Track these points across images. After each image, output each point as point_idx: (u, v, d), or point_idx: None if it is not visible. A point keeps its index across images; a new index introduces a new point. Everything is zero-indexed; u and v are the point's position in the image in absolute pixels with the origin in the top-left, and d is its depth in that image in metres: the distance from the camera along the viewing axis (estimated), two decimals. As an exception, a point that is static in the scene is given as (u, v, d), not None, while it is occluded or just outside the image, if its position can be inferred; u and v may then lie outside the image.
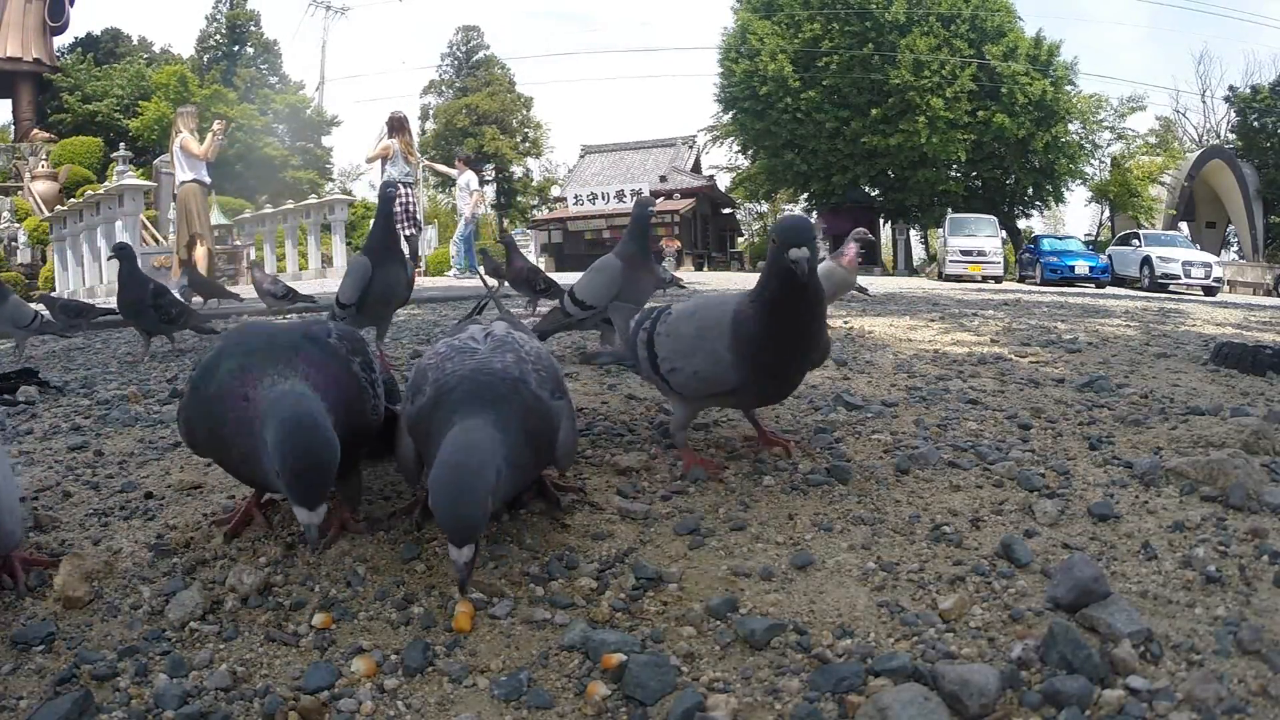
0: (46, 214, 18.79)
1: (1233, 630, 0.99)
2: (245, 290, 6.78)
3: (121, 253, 3.50)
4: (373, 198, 29.03)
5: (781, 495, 1.47)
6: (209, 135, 8.20)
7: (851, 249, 3.93)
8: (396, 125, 9.46)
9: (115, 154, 19.15)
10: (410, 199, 9.46)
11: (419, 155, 9.90)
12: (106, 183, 15.92)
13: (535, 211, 35.84)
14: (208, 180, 8.24)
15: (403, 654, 1.02)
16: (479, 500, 1.00)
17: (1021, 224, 27.89)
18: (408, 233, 9.60)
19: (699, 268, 26.07)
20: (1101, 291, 12.81)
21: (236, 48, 33.94)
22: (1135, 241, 17.58)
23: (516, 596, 1.15)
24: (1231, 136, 27.39)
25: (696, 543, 1.29)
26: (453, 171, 11.27)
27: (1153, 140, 28.18)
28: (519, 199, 37.87)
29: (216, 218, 12.40)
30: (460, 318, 1.78)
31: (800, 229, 1.35)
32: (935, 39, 23.16)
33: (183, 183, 8.24)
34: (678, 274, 5.41)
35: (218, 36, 34.55)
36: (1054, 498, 1.42)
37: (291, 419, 1.06)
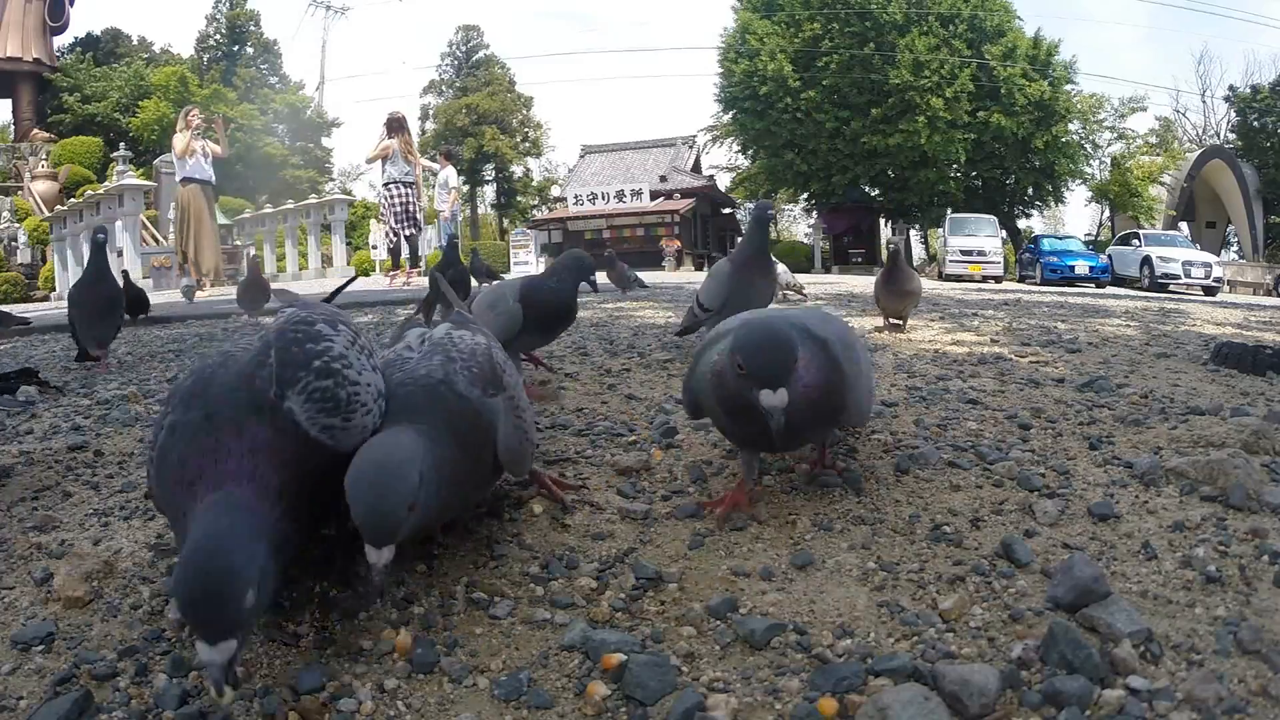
0: (46, 214, 18.80)
1: (1233, 630, 0.99)
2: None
3: None
4: (373, 198, 29.02)
5: (781, 495, 1.47)
6: (186, 132, 8.16)
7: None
8: (395, 125, 9.47)
9: (115, 154, 19.16)
10: (410, 198, 9.47)
11: (418, 155, 9.89)
12: (106, 183, 15.92)
13: (535, 211, 35.84)
14: (196, 177, 8.16)
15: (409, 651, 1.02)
16: (400, 498, 0.92)
17: (1021, 224, 27.93)
18: (407, 233, 9.62)
19: (699, 268, 26.05)
20: (1101, 291, 12.80)
21: (236, 48, 33.95)
22: (1135, 241, 17.59)
23: (516, 596, 1.15)
24: (1231, 136, 27.41)
25: (696, 543, 1.29)
26: (435, 166, 11.24)
27: (1153, 140, 28.21)
28: (519, 199, 37.88)
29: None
30: (401, 323, 1.62)
31: (774, 365, 1.10)
32: (934, 39, 23.18)
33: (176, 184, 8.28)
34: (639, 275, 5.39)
35: (218, 36, 34.57)
36: (1054, 498, 1.42)
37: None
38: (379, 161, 9.51)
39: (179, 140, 8.21)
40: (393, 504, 0.92)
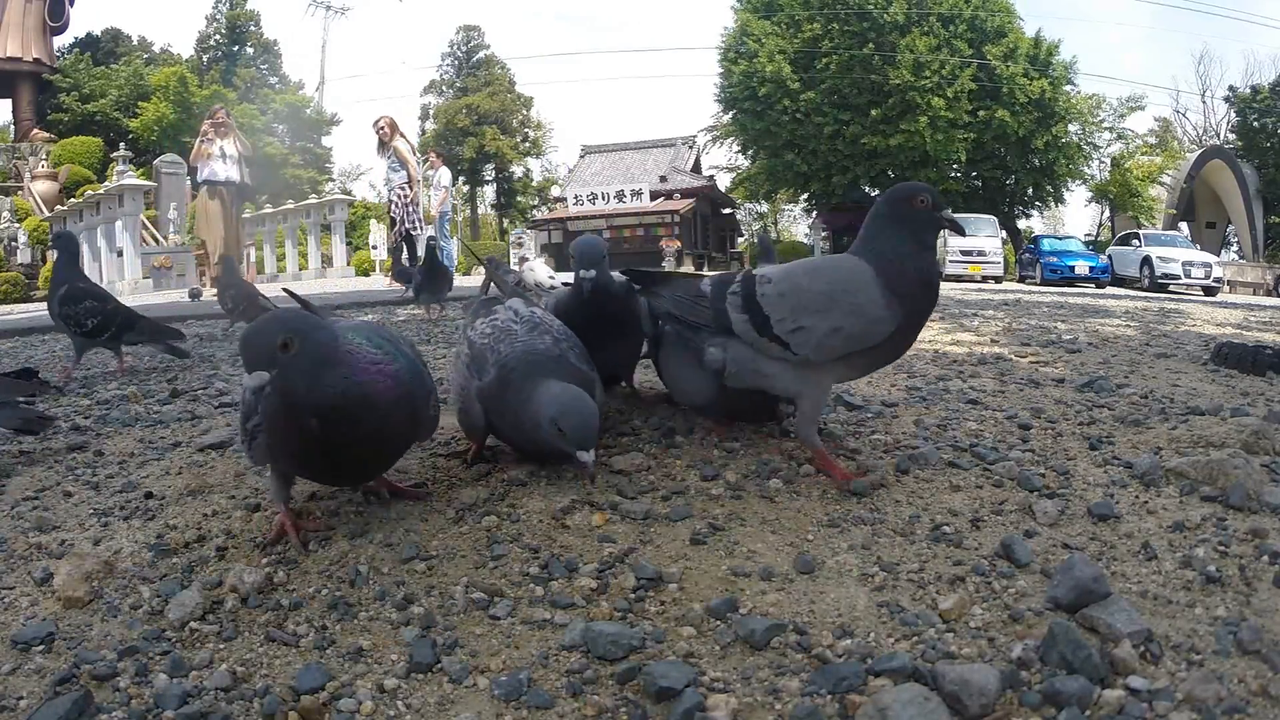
0: (46, 214, 18.80)
1: (1233, 630, 0.99)
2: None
3: None
4: (373, 198, 29.01)
5: (782, 496, 1.47)
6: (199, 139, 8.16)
7: None
8: (394, 128, 9.47)
9: (115, 154, 19.17)
10: (414, 196, 9.47)
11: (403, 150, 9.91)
12: (106, 183, 15.92)
13: (535, 212, 35.83)
14: (208, 179, 8.11)
15: (409, 651, 1.02)
16: (597, 415, 1.36)
17: (1021, 224, 27.92)
18: (416, 232, 9.61)
19: (699, 268, 26.06)
20: (1101, 291, 12.81)
21: (236, 48, 33.96)
22: (1135, 241, 17.59)
23: (516, 596, 1.15)
24: (1231, 136, 27.41)
25: (696, 542, 1.29)
26: (428, 169, 11.20)
27: (1152, 141, 28.22)
28: (519, 199, 37.88)
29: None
30: (474, 303, 1.92)
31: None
32: (935, 39, 23.17)
33: None
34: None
35: (217, 37, 34.57)
36: (1054, 498, 1.42)
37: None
38: (383, 162, 9.51)
39: (194, 150, 8.27)
40: (594, 419, 1.34)
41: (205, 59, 33.75)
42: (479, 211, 39.47)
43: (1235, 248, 26.39)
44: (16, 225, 20.17)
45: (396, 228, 9.63)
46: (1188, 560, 1.18)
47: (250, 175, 9.32)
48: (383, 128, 9.30)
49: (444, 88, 37.89)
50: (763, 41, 24.24)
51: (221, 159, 8.08)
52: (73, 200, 16.71)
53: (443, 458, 1.71)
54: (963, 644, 1.00)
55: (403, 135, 9.43)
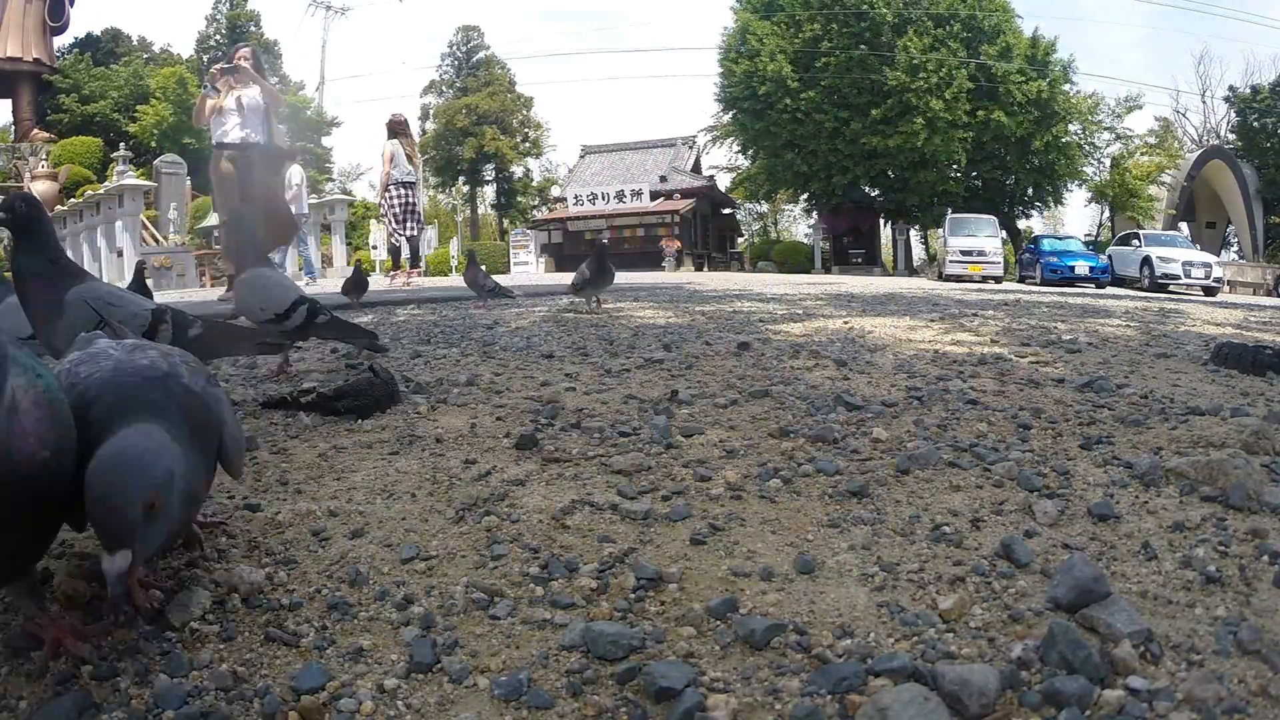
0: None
1: (1233, 630, 0.99)
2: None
3: None
4: (373, 198, 28.99)
5: (782, 496, 1.47)
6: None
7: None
8: (398, 128, 9.53)
9: (115, 154, 19.16)
10: (412, 198, 9.54)
11: (419, 156, 9.99)
12: (106, 183, 15.92)
13: (535, 212, 35.84)
14: (226, 140, 6.03)
15: (409, 651, 1.02)
16: (139, 495, 0.84)
17: (1021, 224, 27.95)
18: (409, 234, 9.68)
19: (699, 268, 26.04)
20: (1101, 291, 12.81)
21: (236, 48, 33.92)
22: (1135, 241, 17.61)
23: (516, 596, 1.15)
24: (1231, 136, 27.42)
25: (696, 542, 1.29)
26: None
27: (1152, 141, 28.26)
28: (519, 199, 37.87)
29: (213, 217, 12.28)
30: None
31: None
32: (929, 39, 23.20)
33: None
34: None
35: (218, 37, 34.57)
36: (1054, 498, 1.42)
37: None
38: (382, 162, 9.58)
39: (196, 108, 6.29)
40: (129, 500, 0.84)
41: (205, 59, 33.74)
42: (479, 211, 39.47)
43: (1235, 248, 26.41)
44: (16, 225, 20.09)
45: (389, 231, 9.77)
46: (1188, 560, 1.18)
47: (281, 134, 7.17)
48: (393, 123, 9.42)
49: (444, 88, 37.89)
50: (763, 41, 24.26)
51: (237, 113, 5.94)
52: (73, 200, 16.71)
53: (441, 458, 1.71)
54: (963, 644, 1.00)
55: (403, 138, 9.47)
